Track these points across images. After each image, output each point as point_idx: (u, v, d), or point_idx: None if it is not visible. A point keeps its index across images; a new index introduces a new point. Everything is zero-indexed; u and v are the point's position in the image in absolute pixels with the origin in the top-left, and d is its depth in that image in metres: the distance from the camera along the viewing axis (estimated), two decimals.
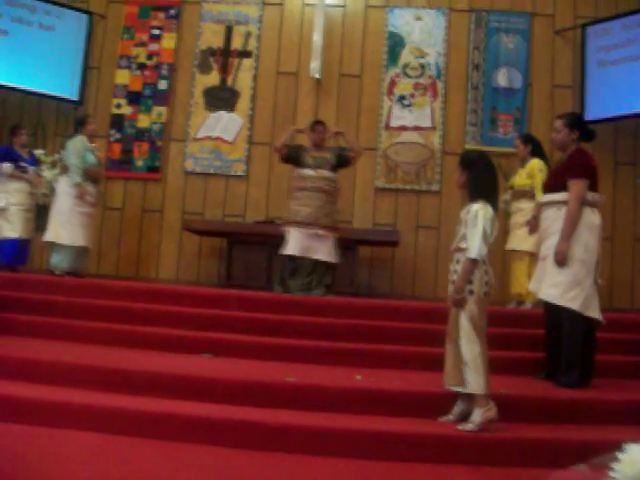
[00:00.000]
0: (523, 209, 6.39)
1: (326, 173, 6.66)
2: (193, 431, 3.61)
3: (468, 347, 3.67)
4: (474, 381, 3.62)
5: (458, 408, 3.86)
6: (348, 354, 4.93)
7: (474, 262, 3.66)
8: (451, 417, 3.85)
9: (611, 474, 1.82)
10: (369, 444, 3.57)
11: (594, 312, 4.45)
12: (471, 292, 3.69)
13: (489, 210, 3.71)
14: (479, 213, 3.67)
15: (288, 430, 3.61)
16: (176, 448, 3.47)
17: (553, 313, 4.59)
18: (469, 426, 3.64)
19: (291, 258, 6.58)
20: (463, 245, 3.73)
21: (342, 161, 6.81)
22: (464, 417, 3.79)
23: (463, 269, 3.70)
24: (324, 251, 6.53)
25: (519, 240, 6.38)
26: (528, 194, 6.35)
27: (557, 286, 4.47)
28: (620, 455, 1.85)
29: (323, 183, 6.61)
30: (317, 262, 6.55)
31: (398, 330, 5.31)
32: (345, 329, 5.30)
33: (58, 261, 7.05)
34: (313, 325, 5.34)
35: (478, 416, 3.64)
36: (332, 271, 6.69)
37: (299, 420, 3.70)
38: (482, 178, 3.83)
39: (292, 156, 6.85)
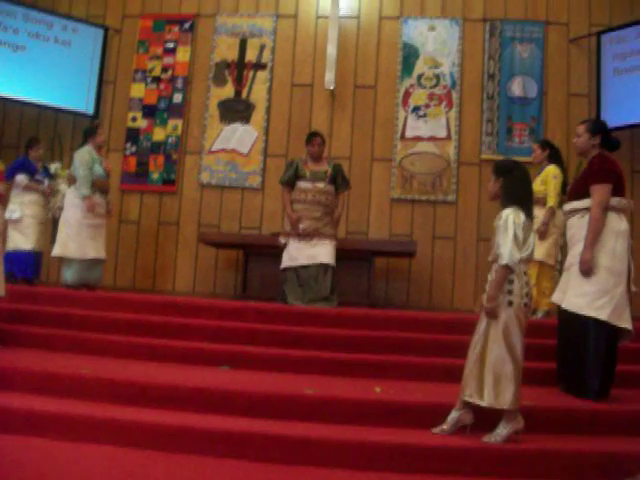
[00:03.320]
0: (535, 216, 6.30)
1: (324, 186, 6.69)
2: (212, 444, 3.58)
3: (498, 360, 3.59)
4: (502, 396, 3.55)
5: (452, 417, 3.76)
6: (367, 366, 4.91)
7: (506, 268, 3.58)
8: (445, 427, 3.75)
9: None
10: (389, 456, 3.52)
11: (624, 322, 4.27)
12: (510, 303, 3.60)
13: (520, 215, 3.63)
14: (509, 218, 3.61)
15: (307, 443, 3.58)
16: (195, 461, 3.45)
17: (573, 324, 4.40)
18: (495, 438, 3.58)
19: (295, 270, 6.60)
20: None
21: (335, 181, 6.81)
22: (459, 426, 3.73)
23: (496, 277, 3.62)
24: (325, 254, 6.56)
25: None
26: (541, 201, 6.24)
27: (584, 296, 4.30)
28: None
29: (322, 197, 6.66)
30: (319, 271, 6.55)
31: (417, 341, 5.27)
32: (363, 341, 5.29)
33: (69, 275, 6.93)
34: (331, 337, 5.32)
35: (505, 429, 3.59)
36: (332, 276, 6.63)
37: (318, 432, 3.67)
38: (517, 186, 3.76)
39: (292, 179, 6.80)
